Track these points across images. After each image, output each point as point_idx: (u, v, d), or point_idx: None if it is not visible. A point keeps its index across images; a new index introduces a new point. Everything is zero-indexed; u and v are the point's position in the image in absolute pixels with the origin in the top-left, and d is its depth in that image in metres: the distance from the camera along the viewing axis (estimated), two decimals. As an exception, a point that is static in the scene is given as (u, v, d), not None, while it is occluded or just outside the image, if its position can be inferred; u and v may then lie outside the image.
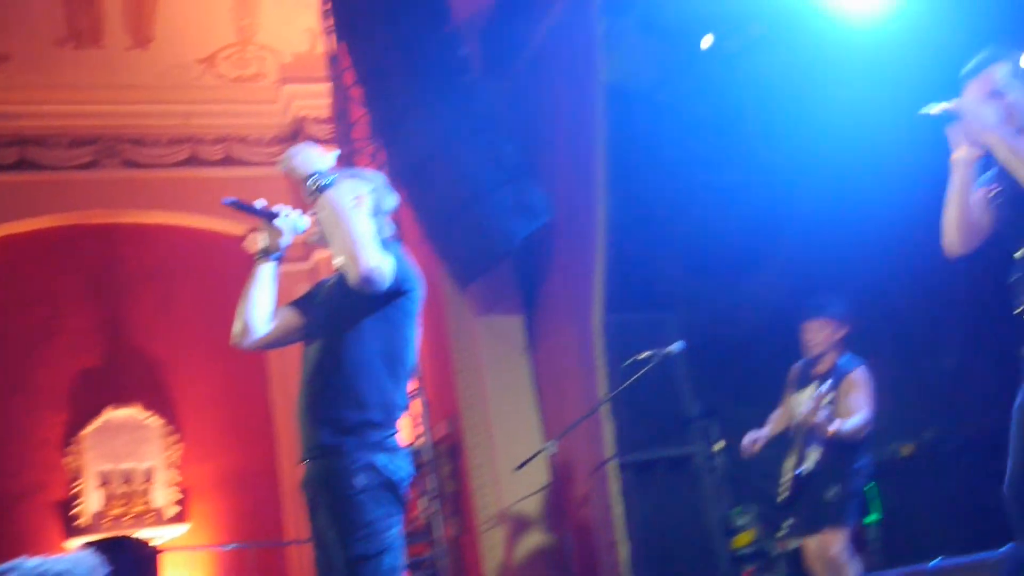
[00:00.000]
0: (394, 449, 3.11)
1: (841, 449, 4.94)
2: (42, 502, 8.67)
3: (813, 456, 5.01)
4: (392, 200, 3.42)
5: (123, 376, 9.13)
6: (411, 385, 3.38)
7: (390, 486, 3.04)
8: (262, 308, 3.28)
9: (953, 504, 5.44)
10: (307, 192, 3.02)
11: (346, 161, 7.60)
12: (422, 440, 6.99)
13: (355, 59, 7.05)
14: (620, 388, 5.33)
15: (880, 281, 5.83)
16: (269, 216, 3.19)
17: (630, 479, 5.81)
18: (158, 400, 9.14)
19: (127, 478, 8.90)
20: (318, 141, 9.51)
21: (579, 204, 6.05)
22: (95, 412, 8.96)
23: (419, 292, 3.23)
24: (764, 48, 5.63)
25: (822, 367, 5.16)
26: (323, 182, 2.99)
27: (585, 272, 5.90)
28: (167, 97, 9.60)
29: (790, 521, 5.18)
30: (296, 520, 8.77)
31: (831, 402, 4.94)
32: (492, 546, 6.44)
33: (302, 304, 3.40)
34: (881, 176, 5.28)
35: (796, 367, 5.33)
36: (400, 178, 6.88)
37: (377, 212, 3.35)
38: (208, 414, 9.22)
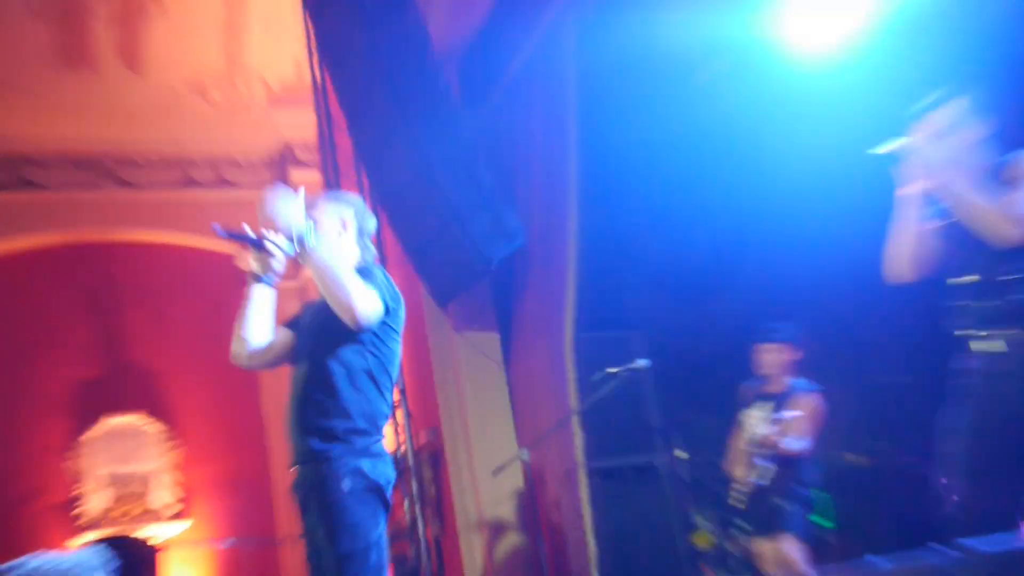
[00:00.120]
0: (379, 455, 3.14)
1: (789, 463, 4.98)
2: (44, 505, 8.58)
3: (765, 468, 5.04)
4: (373, 222, 3.44)
5: (120, 385, 9.06)
6: (395, 396, 3.39)
7: (375, 489, 3.07)
8: (257, 329, 3.28)
9: (898, 510, 5.49)
10: (293, 249, 3.01)
11: (331, 185, 7.59)
12: (405, 447, 6.98)
13: (340, 88, 7.01)
14: (589, 400, 5.34)
15: (833, 304, 5.88)
16: (259, 242, 3.16)
17: (598, 484, 5.82)
18: (155, 407, 9.07)
19: (127, 481, 8.84)
20: (303, 165, 9.51)
21: (552, 228, 6.05)
22: (94, 419, 8.88)
23: (402, 312, 3.25)
24: (730, 83, 5.66)
25: (774, 387, 5.19)
26: (307, 242, 2.98)
27: (557, 292, 5.91)
28: (159, 121, 9.51)
29: (745, 525, 5.22)
30: (288, 519, 8.75)
31: (781, 421, 4.99)
32: (471, 546, 6.44)
33: (293, 325, 3.41)
34: (835, 206, 5.31)
35: (746, 386, 5.37)
36: (383, 201, 6.87)
37: (361, 234, 3.37)
38: (203, 419, 9.16)
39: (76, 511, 8.63)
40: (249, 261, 3.22)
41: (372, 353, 3.16)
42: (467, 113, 6.42)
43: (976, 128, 3.24)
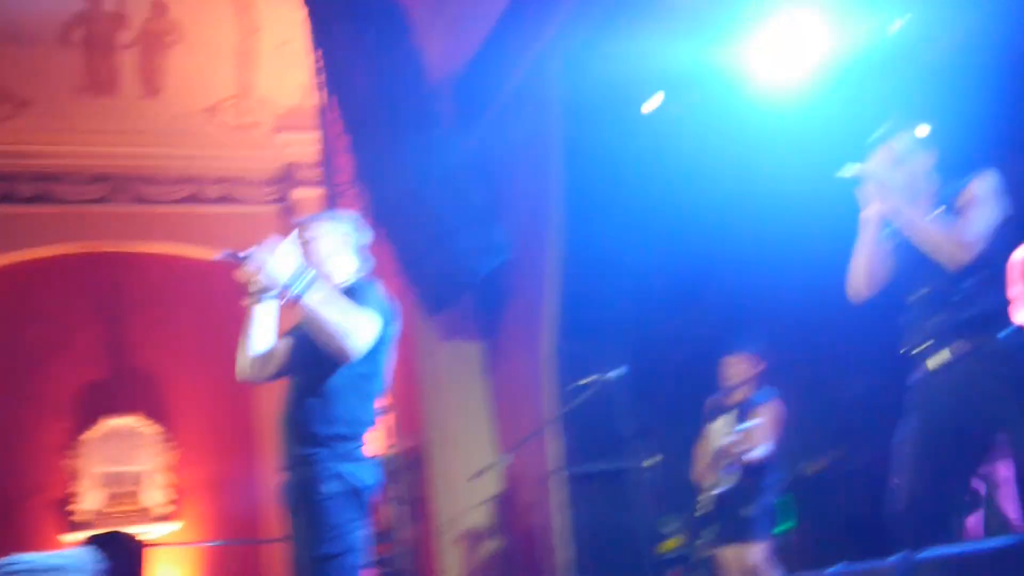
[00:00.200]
0: (361, 460, 3.09)
1: (753, 471, 4.94)
2: (43, 501, 8.51)
3: (729, 476, 5.00)
4: (367, 235, 3.41)
5: (122, 388, 9.00)
6: (383, 402, 3.35)
7: (356, 493, 3.03)
8: (262, 344, 3.24)
9: (855, 516, 5.44)
10: (285, 297, 2.97)
11: (332, 202, 7.58)
12: (391, 451, 6.92)
13: (342, 111, 7.04)
14: (566, 408, 5.31)
15: (797, 318, 5.88)
16: None
17: (573, 489, 5.78)
18: (154, 410, 9.01)
19: (123, 480, 8.75)
20: (306, 184, 9.51)
21: (536, 245, 6.06)
22: (95, 420, 8.80)
23: (395, 326, 3.20)
24: (702, 112, 5.70)
25: (737, 397, 5.15)
26: (297, 291, 2.93)
27: (539, 305, 5.90)
28: (173, 141, 9.55)
29: (710, 531, 5.16)
30: (275, 520, 8.64)
31: (745, 430, 4.95)
32: (449, 547, 6.36)
33: (293, 333, 3.35)
34: (801, 226, 5.34)
35: (711, 400, 5.34)
36: (379, 217, 6.86)
37: (358, 247, 3.33)
38: (199, 423, 9.10)
39: (72, 508, 8.53)
40: (251, 280, 3.14)
41: (362, 363, 3.11)
42: (459, 135, 6.44)
43: (925, 157, 3.24)
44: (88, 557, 2.06)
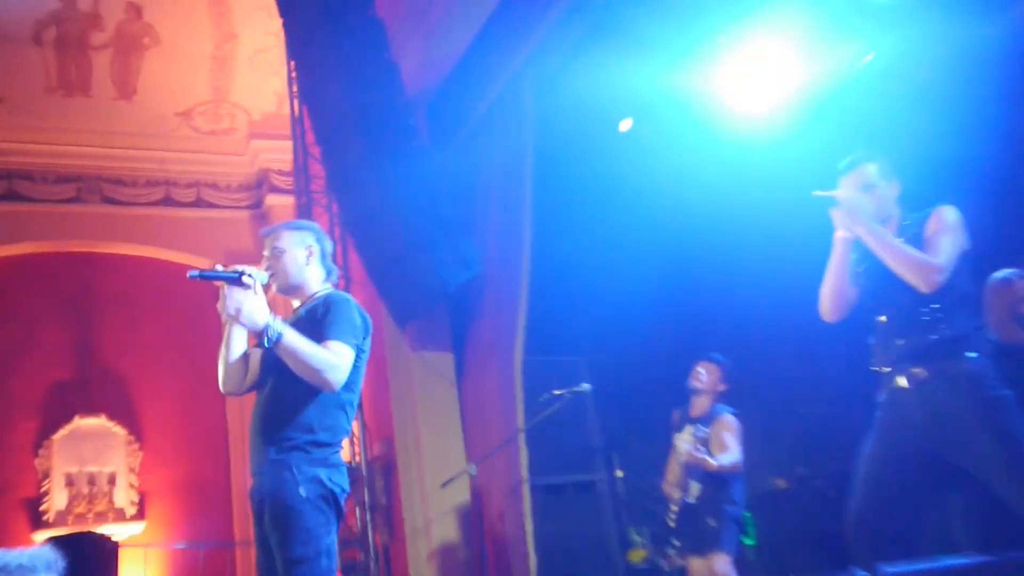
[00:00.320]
0: (336, 465, 3.06)
1: (719, 482, 4.95)
2: (12, 499, 8.31)
3: (696, 487, 5.01)
4: (330, 244, 3.38)
5: (91, 389, 8.81)
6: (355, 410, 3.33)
7: (330, 498, 2.99)
8: (236, 357, 3.18)
9: (818, 531, 5.49)
10: (262, 342, 2.93)
11: (305, 210, 7.51)
12: (360, 457, 6.87)
13: (316, 121, 6.96)
14: (535, 420, 5.29)
15: (763, 338, 5.91)
16: (234, 278, 3.02)
17: (541, 499, 5.75)
18: (122, 411, 8.83)
19: (91, 480, 8.58)
20: (280, 190, 9.43)
21: (507, 259, 6.02)
22: (64, 420, 8.61)
23: (368, 340, 3.18)
24: (673, 134, 5.72)
25: (698, 410, 5.18)
26: (273, 336, 2.90)
27: (509, 318, 5.86)
28: (146, 144, 9.41)
29: (677, 542, 5.17)
30: (242, 523, 8.56)
31: (707, 441, 4.99)
32: (417, 554, 6.31)
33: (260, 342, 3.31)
34: (769, 248, 5.37)
35: (676, 412, 5.36)
36: (351, 227, 6.81)
37: (323, 256, 3.31)
38: (167, 425, 8.96)
39: (42, 507, 8.35)
40: (227, 302, 3.07)
41: None
42: (433, 151, 6.40)
43: (892, 186, 3.28)
44: (58, 555, 2.02)
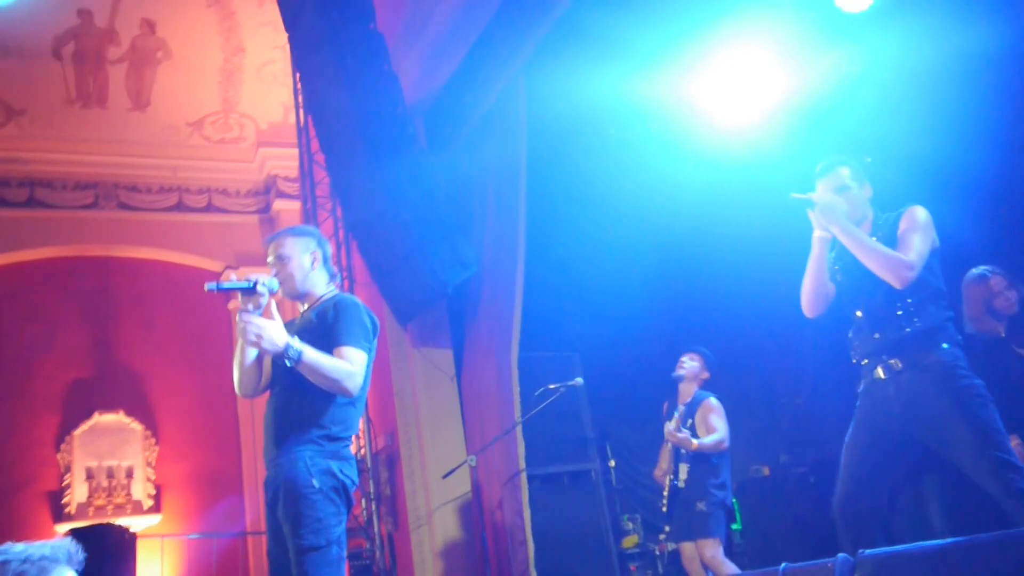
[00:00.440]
0: (347, 459, 3.09)
1: (706, 467, 4.96)
2: (35, 492, 8.31)
3: (685, 469, 5.02)
4: (329, 247, 3.39)
5: (109, 386, 8.80)
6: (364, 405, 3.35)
7: (341, 489, 3.01)
8: (252, 360, 3.19)
9: (801, 517, 5.49)
10: (284, 360, 2.94)
11: (311, 215, 7.51)
12: (364, 450, 6.86)
13: (320, 130, 6.94)
14: (531, 413, 5.29)
15: (747, 333, 5.92)
16: (248, 288, 3.04)
17: (538, 489, 5.73)
18: (139, 408, 8.82)
19: (110, 473, 8.57)
20: (287, 196, 9.43)
21: (502, 260, 6.00)
22: (85, 416, 8.60)
23: (376, 340, 3.18)
24: (660, 140, 5.72)
25: (684, 397, 5.22)
26: (294, 356, 2.92)
27: (506, 315, 5.85)
28: (160, 152, 9.40)
29: (668, 528, 5.17)
30: (254, 514, 8.56)
31: (691, 425, 5.02)
32: (421, 542, 6.30)
33: None
34: (752, 247, 5.37)
35: (666, 403, 5.39)
36: (354, 230, 6.80)
37: (325, 260, 3.31)
38: (182, 421, 8.95)
39: (64, 499, 8.34)
40: (241, 304, 3.10)
41: None
42: (431, 156, 6.37)
43: (864, 188, 3.30)
44: (79, 547, 2.01)
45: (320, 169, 7.38)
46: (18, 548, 1.94)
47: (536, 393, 5.27)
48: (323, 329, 3.05)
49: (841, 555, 2.66)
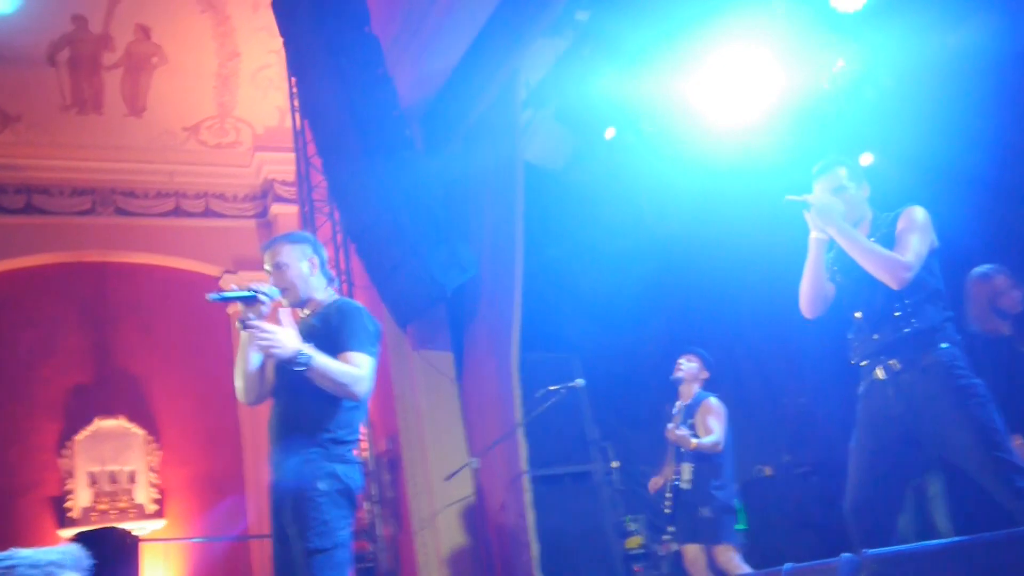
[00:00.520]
0: (353, 462, 3.10)
1: (708, 467, 4.96)
2: (38, 497, 8.27)
3: (688, 469, 5.01)
4: (325, 252, 3.40)
5: (110, 391, 8.75)
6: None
7: (347, 492, 3.02)
8: (255, 368, 3.19)
9: (804, 517, 5.50)
10: (294, 366, 2.95)
11: (308, 218, 7.50)
12: (367, 454, 6.86)
13: (316, 134, 6.94)
14: (533, 414, 5.29)
15: (747, 334, 5.92)
16: (250, 297, 3.06)
17: (540, 490, 5.73)
18: (140, 413, 8.78)
19: (113, 478, 8.56)
20: (284, 200, 9.42)
21: (501, 262, 6.00)
22: (86, 422, 8.56)
23: (379, 345, 3.19)
24: (656, 141, 5.71)
25: (684, 398, 5.22)
26: (305, 361, 2.93)
27: (505, 317, 5.84)
28: (156, 158, 9.35)
29: (671, 529, 5.16)
30: (257, 518, 8.56)
31: (692, 425, 5.02)
32: (424, 545, 6.31)
33: None
34: (751, 248, 5.36)
35: (669, 405, 5.39)
36: (352, 234, 6.79)
37: (323, 265, 3.32)
38: (183, 425, 8.94)
39: (67, 504, 8.32)
40: (242, 312, 3.11)
41: None
42: (428, 159, 6.37)
43: (862, 188, 3.29)
44: (84, 552, 2.02)
45: (317, 173, 7.37)
46: (25, 553, 1.95)
47: (537, 395, 5.26)
48: (328, 334, 3.06)
49: (845, 555, 2.66)
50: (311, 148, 7.27)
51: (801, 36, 4.70)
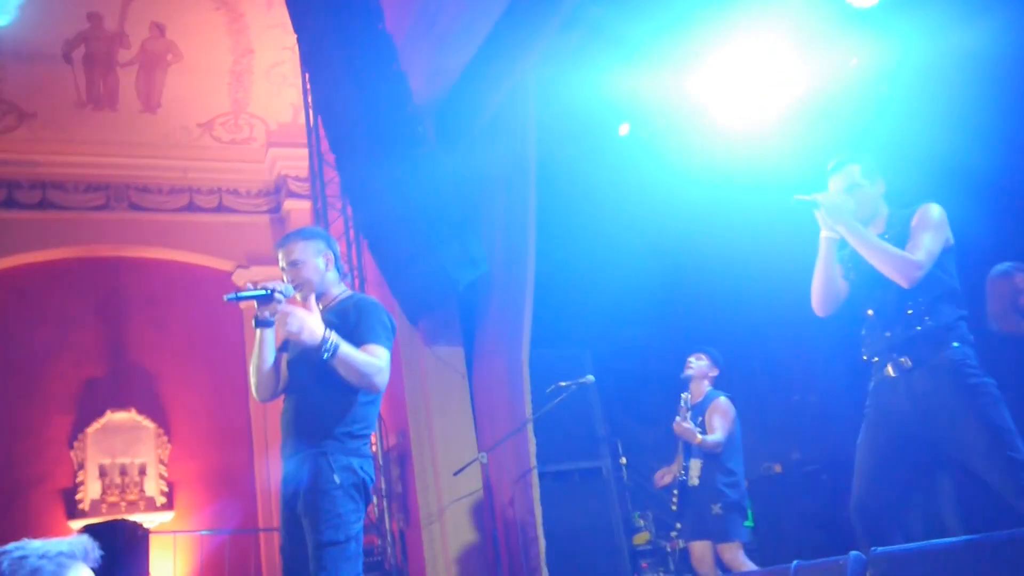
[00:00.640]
0: (367, 456, 3.12)
1: (716, 463, 4.94)
2: (49, 489, 8.34)
3: (696, 465, 5.00)
4: (337, 247, 3.41)
5: (122, 385, 8.81)
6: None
7: (362, 486, 3.04)
8: (270, 364, 3.21)
9: (813, 514, 5.48)
10: (321, 354, 2.96)
11: (321, 214, 7.51)
12: (376, 448, 6.87)
13: (329, 130, 6.93)
14: (542, 410, 5.28)
15: (759, 331, 5.90)
16: (266, 295, 3.08)
17: (549, 486, 5.72)
18: (151, 406, 8.83)
19: (123, 471, 8.60)
20: (298, 196, 9.44)
21: (512, 258, 6.00)
22: (97, 414, 8.62)
23: (392, 340, 3.20)
24: (668, 137, 5.70)
25: (696, 397, 5.20)
26: (331, 348, 2.95)
27: (516, 314, 5.84)
28: (170, 154, 9.41)
29: (679, 526, 5.15)
30: (266, 511, 8.58)
31: (701, 422, 5.01)
32: (432, 539, 6.30)
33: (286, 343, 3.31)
34: (763, 244, 5.35)
35: (687, 398, 5.37)
36: (365, 230, 6.79)
37: (336, 261, 3.33)
38: (194, 419, 8.97)
39: (78, 496, 8.38)
40: (258, 311, 3.14)
41: None
42: (441, 156, 6.35)
43: (876, 185, 3.27)
44: (95, 544, 2.03)
45: (330, 169, 7.38)
46: (36, 544, 1.95)
47: (547, 390, 5.25)
48: (346, 329, 3.08)
49: (853, 552, 2.65)
50: (324, 144, 7.26)
51: (816, 33, 4.68)
